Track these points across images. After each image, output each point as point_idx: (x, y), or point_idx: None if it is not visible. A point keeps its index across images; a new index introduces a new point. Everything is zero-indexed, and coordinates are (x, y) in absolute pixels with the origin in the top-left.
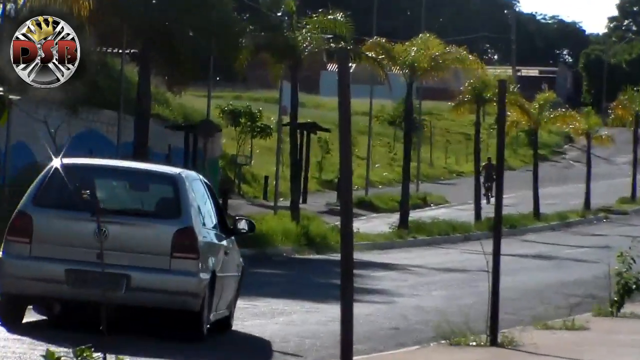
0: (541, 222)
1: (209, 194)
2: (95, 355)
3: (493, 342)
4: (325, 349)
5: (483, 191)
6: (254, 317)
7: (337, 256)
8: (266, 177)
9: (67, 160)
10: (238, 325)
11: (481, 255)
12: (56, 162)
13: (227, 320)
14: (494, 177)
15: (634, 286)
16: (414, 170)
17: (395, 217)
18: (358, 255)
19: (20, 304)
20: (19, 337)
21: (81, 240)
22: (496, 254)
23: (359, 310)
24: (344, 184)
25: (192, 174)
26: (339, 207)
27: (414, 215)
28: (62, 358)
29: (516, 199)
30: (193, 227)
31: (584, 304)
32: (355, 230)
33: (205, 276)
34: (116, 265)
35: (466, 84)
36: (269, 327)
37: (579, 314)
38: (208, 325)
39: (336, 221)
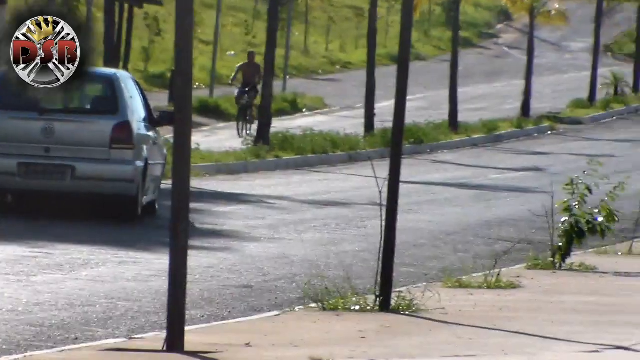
0: (459, 134)
1: (138, 90)
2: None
3: (384, 306)
4: (145, 315)
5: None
6: (45, 270)
7: (167, 184)
8: None
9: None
10: (23, 280)
11: (373, 183)
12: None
13: (153, 205)
14: (260, 80)
15: (587, 227)
16: (281, 60)
17: (251, 128)
18: (197, 183)
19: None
20: None
21: (30, 137)
22: (394, 180)
23: (197, 261)
24: (179, 79)
25: (125, 73)
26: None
27: (279, 125)
28: None
29: (426, 102)
30: (129, 121)
31: (516, 252)
32: (194, 146)
33: (140, 164)
34: (62, 157)
35: None
36: (68, 285)
37: (508, 266)
38: (141, 208)
39: (167, 134)
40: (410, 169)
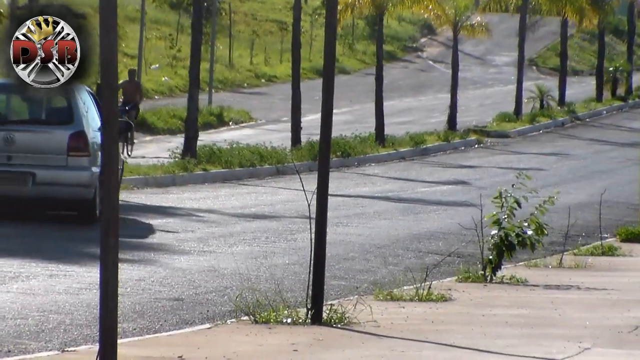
0: (387, 148)
1: (93, 101)
2: None
3: (315, 318)
4: (77, 328)
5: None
6: None
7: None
8: None
9: None
10: None
11: (301, 195)
12: None
13: None
14: (141, 99)
15: (516, 240)
16: (206, 74)
17: (177, 141)
18: (125, 196)
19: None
20: None
21: None
22: (322, 194)
23: (127, 274)
24: (105, 92)
25: (80, 85)
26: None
27: (205, 138)
28: None
29: (352, 115)
30: (84, 130)
31: (446, 265)
32: (122, 159)
33: (95, 170)
34: (23, 164)
35: None
36: None
37: (439, 278)
38: (99, 210)
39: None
40: (338, 182)
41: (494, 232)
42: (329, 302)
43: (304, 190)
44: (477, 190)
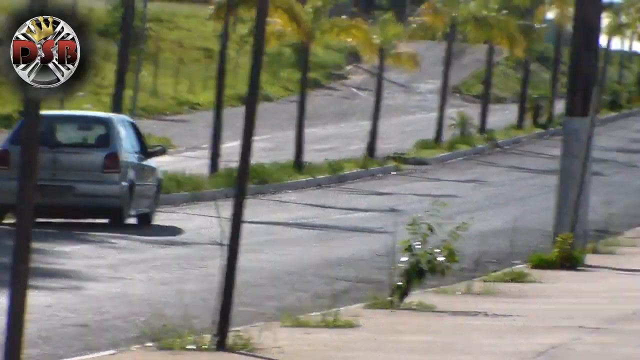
0: (304, 175)
1: (132, 130)
2: None
3: (220, 344)
4: None
5: None
6: None
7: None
8: None
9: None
10: None
11: (216, 222)
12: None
13: (148, 216)
14: None
15: (427, 267)
16: (129, 101)
17: None
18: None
19: (3, 210)
20: None
21: (42, 164)
22: (236, 220)
23: (36, 300)
24: (29, 121)
25: (121, 116)
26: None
27: None
28: None
29: (272, 143)
30: (117, 152)
31: (355, 292)
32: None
33: (125, 184)
34: (66, 179)
35: None
36: None
37: (347, 305)
38: (130, 218)
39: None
40: (253, 208)
41: (405, 258)
42: (235, 329)
43: (218, 216)
44: (393, 217)
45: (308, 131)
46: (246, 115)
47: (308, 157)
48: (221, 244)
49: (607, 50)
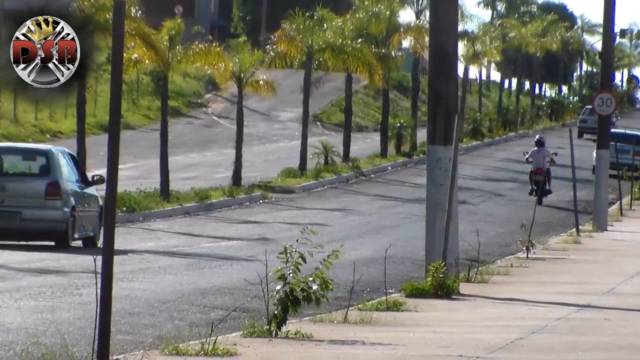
0: (172, 203)
1: (72, 161)
2: None
3: None
4: None
5: None
6: None
7: None
8: None
9: None
10: None
11: (87, 250)
12: None
13: (93, 239)
14: None
15: (301, 295)
16: None
17: None
18: None
19: None
20: None
21: None
22: (108, 249)
23: None
24: None
25: (60, 148)
26: None
27: None
28: None
29: (137, 171)
30: (58, 180)
31: (232, 320)
32: None
33: (67, 209)
34: (13, 205)
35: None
36: None
37: (225, 334)
38: (75, 240)
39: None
40: (123, 237)
41: (279, 287)
42: (115, 357)
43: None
44: (262, 246)
45: (172, 159)
46: (110, 143)
47: (174, 185)
48: (95, 272)
49: (465, 79)
